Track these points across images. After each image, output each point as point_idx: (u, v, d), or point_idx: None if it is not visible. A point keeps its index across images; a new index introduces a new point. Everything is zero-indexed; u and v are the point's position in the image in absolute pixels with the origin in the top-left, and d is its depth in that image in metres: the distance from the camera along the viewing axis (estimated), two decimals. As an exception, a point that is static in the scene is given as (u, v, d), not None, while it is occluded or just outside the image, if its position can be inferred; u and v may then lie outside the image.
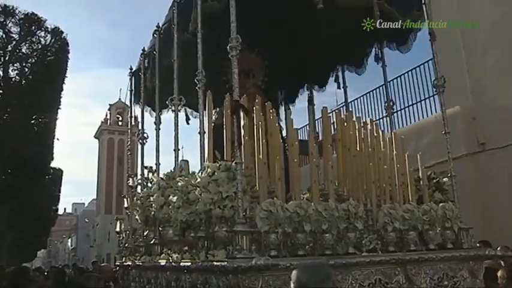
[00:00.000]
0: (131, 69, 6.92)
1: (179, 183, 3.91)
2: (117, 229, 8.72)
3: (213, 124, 4.29)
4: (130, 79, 6.94)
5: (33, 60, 16.72)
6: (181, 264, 3.75)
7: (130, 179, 7.42)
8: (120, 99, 40.77)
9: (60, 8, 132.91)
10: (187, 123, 5.50)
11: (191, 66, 4.29)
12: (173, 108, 4.99)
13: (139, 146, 6.27)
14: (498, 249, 4.36)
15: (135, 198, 5.84)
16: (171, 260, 4.06)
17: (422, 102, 9.25)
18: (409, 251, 3.81)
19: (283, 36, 5.50)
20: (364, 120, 4.67)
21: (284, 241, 3.29)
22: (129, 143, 8.58)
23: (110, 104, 49.09)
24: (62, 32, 17.62)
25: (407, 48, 5.27)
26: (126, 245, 6.71)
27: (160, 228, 4.76)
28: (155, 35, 5.77)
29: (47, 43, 17.19)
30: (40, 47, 16.98)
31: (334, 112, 5.36)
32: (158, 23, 5.73)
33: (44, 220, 24.04)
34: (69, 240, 63.02)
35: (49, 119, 18.25)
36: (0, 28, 15.93)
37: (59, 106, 18.88)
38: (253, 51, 5.50)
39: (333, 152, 4.40)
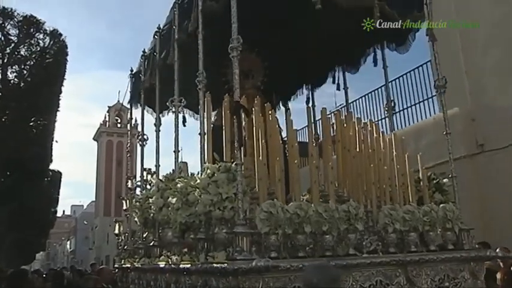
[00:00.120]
0: (131, 70, 6.92)
1: (178, 185, 3.89)
2: (116, 231, 8.72)
3: (212, 125, 4.28)
4: (131, 80, 6.93)
5: (32, 63, 16.74)
6: (181, 266, 3.73)
7: (129, 180, 7.41)
8: (118, 101, 40.72)
9: (59, 8, 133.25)
10: (184, 125, 5.48)
11: (191, 67, 4.29)
12: (173, 109, 4.98)
13: (139, 148, 6.26)
14: (497, 250, 4.35)
15: (134, 200, 5.82)
16: (170, 262, 4.04)
17: (421, 103, 9.27)
18: (409, 252, 3.79)
19: (282, 36, 5.50)
20: (364, 121, 4.67)
21: (284, 242, 3.28)
22: (128, 144, 8.55)
23: (108, 106, 49.11)
24: (60, 34, 17.67)
25: (406, 49, 5.28)
26: (125, 247, 6.69)
27: (159, 230, 4.74)
28: (156, 36, 5.77)
29: (46, 45, 17.21)
30: (39, 49, 17.00)
31: (333, 113, 5.35)
32: (159, 25, 5.74)
33: (42, 222, 23.99)
34: (68, 242, 62.91)
35: (48, 121, 18.26)
36: (-1, 30, 15.95)
37: (58, 108, 18.89)
38: (252, 52, 5.49)
39: (332, 153, 4.39)
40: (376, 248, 3.71)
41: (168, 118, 6.28)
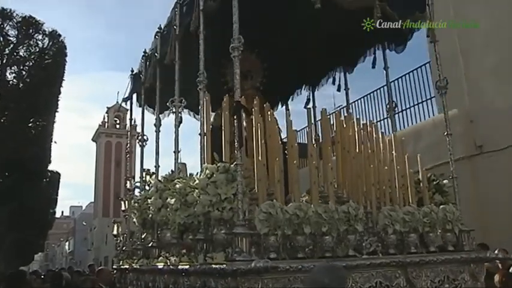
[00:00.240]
0: (132, 71, 6.91)
1: (177, 186, 3.87)
2: (115, 232, 8.70)
3: (211, 126, 4.26)
4: (131, 81, 6.92)
5: (31, 63, 16.72)
6: (180, 267, 3.71)
7: (128, 181, 7.39)
8: (117, 102, 40.74)
9: (59, 9, 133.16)
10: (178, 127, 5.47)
11: (191, 67, 4.27)
12: (174, 109, 4.97)
13: (139, 149, 6.25)
14: (495, 252, 4.34)
15: (132, 200, 5.80)
16: (169, 263, 4.02)
17: (419, 105, 9.28)
18: (409, 253, 3.78)
19: (282, 37, 5.49)
20: (363, 122, 4.66)
21: (283, 243, 3.26)
22: (128, 145, 8.55)
23: (107, 107, 49.12)
24: (59, 35, 17.64)
25: (402, 49, 5.28)
26: (124, 248, 6.67)
27: (158, 231, 4.72)
28: (157, 37, 5.76)
29: (45, 46, 17.18)
30: (38, 50, 16.97)
31: (333, 114, 5.34)
32: (160, 25, 5.73)
33: (41, 223, 23.94)
34: (67, 243, 62.80)
35: (47, 122, 18.22)
36: (-2, 31, 15.94)
37: (57, 109, 18.85)
38: (252, 53, 5.48)
39: (332, 154, 4.38)
40: (375, 249, 3.69)
41: (165, 120, 6.26)
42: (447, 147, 4.47)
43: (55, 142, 19.97)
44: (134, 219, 5.40)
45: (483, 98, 7.80)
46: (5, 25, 16.19)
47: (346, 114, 5.38)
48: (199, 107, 4.23)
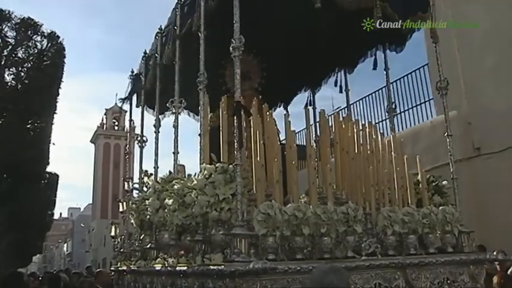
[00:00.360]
0: (132, 72, 6.90)
1: (175, 186, 3.86)
2: (113, 234, 8.65)
3: (209, 127, 4.25)
4: (131, 82, 6.91)
5: (29, 65, 16.66)
6: (177, 268, 3.70)
7: (126, 183, 7.37)
8: (116, 103, 40.73)
9: (57, 10, 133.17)
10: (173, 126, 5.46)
11: (191, 67, 4.26)
12: (173, 110, 4.96)
13: (137, 150, 6.23)
14: (494, 253, 4.33)
15: (130, 202, 5.78)
16: (166, 265, 4.00)
17: (417, 107, 9.28)
18: (408, 254, 3.77)
19: (281, 37, 5.48)
20: (362, 123, 4.64)
21: (282, 244, 3.25)
22: (127, 146, 8.53)
23: (106, 109, 49.12)
24: (58, 37, 17.57)
25: (401, 49, 5.27)
26: (122, 249, 6.64)
27: (156, 232, 4.70)
28: (157, 37, 5.75)
29: (43, 48, 17.13)
30: (36, 51, 16.91)
31: (332, 115, 5.33)
32: (161, 25, 5.73)
33: (39, 224, 23.89)
34: (65, 245, 62.69)
35: (45, 124, 18.17)
36: (-4, 33, 15.90)
37: (55, 111, 18.81)
38: (250, 53, 5.47)
39: (331, 155, 4.36)
40: (375, 250, 3.66)
41: (164, 121, 6.24)
42: (447, 149, 4.46)
43: (53, 144, 19.93)
44: (132, 221, 5.37)
45: (481, 100, 7.79)
46: (3, 26, 16.13)
47: (344, 116, 5.36)
48: (199, 108, 4.22)
